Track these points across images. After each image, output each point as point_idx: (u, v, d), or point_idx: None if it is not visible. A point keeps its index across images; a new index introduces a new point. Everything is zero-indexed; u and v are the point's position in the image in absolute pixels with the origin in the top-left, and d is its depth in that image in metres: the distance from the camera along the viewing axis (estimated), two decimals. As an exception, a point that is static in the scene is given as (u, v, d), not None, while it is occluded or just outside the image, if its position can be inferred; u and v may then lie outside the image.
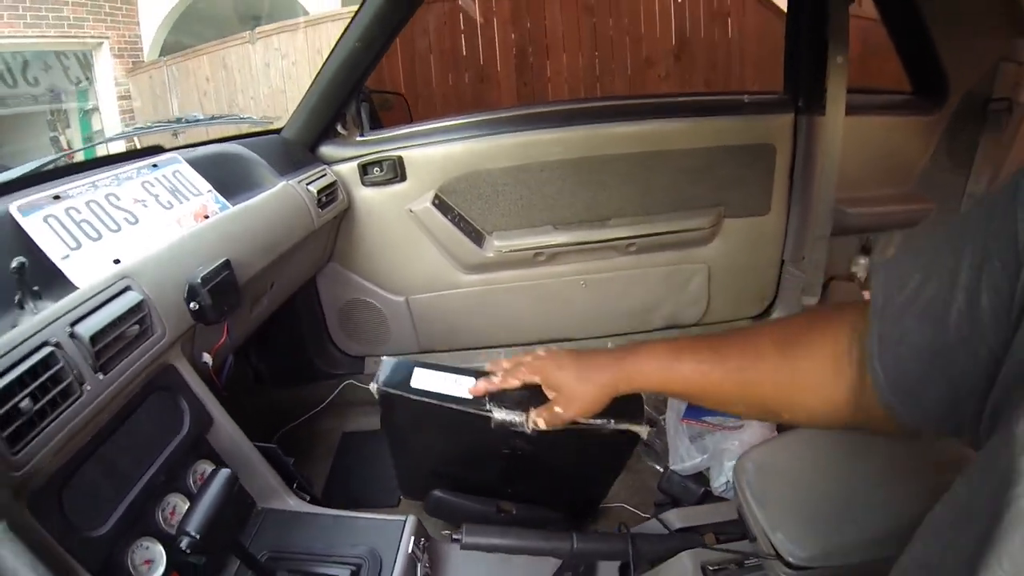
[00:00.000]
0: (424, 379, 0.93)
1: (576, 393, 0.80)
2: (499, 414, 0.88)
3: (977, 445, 0.45)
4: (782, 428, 1.34)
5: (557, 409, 0.83)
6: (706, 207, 1.83)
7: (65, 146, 6.46)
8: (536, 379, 0.85)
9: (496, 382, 0.88)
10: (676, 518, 1.09)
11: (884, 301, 0.52)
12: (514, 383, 0.87)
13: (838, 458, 0.89)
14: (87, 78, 6.57)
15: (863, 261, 1.93)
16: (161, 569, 0.84)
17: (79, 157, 2.01)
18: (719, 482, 1.46)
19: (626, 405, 0.88)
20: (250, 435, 1.11)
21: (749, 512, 0.87)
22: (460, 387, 0.93)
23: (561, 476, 1.18)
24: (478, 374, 0.95)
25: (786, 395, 0.65)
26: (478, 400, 0.91)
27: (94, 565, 0.75)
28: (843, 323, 0.61)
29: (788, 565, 0.80)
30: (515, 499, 1.21)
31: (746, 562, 0.95)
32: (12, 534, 0.40)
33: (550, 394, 0.85)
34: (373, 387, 0.91)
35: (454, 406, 0.90)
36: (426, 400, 0.91)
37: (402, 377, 0.94)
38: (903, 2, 1.61)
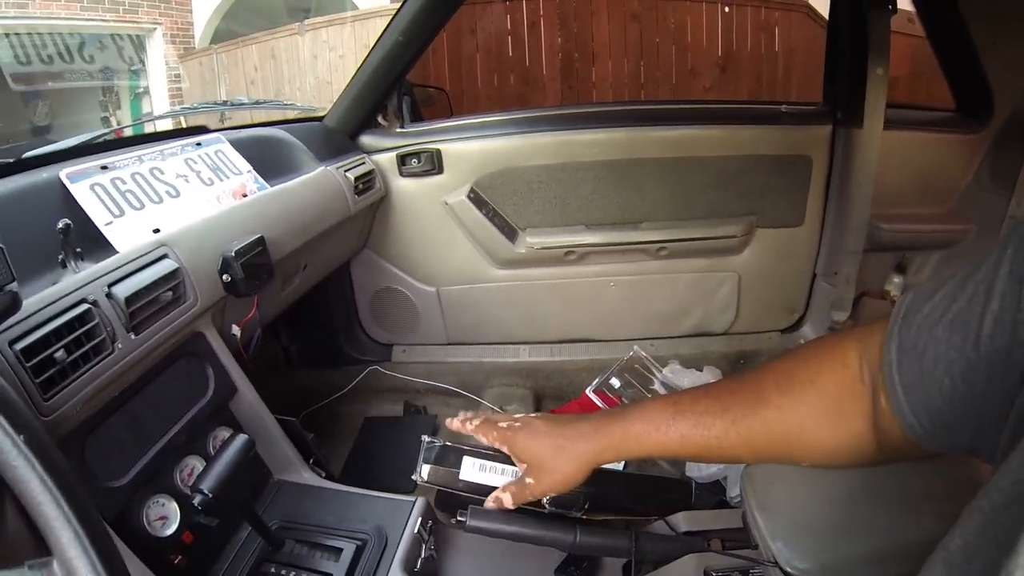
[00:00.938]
0: (472, 470, 0.85)
1: (548, 466, 0.74)
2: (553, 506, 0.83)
3: (993, 459, 0.43)
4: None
5: (528, 480, 0.75)
6: (739, 215, 1.81)
7: (115, 125, 6.70)
8: (504, 449, 0.79)
9: (470, 429, 0.82)
10: (683, 521, 1.07)
11: (907, 311, 0.51)
12: (483, 440, 0.81)
13: (849, 473, 0.86)
14: (140, 60, 6.81)
15: (897, 280, 1.89)
16: (174, 526, 0.87)
17: (127, 133, 2.09)
18: (735, 491, 1.44)
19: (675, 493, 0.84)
20: (274, 412, 1.13)
21: (752, 518, 0.86)
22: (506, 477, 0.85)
23: None
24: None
25: (796, 438, 0.62)
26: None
27: (109, 514, 0.78)
28: (848, 347, 0.59)
29: (786, 575, 0.79)
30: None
31: (751, 571, 0.94)
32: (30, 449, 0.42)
33: (521, 466, 0.78)
34: (416, 478, 0.85)
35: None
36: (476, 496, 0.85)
37: (449, 464, 0.86)
38: (950, 18, 1.58)
